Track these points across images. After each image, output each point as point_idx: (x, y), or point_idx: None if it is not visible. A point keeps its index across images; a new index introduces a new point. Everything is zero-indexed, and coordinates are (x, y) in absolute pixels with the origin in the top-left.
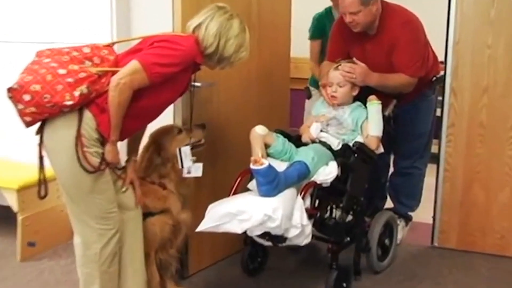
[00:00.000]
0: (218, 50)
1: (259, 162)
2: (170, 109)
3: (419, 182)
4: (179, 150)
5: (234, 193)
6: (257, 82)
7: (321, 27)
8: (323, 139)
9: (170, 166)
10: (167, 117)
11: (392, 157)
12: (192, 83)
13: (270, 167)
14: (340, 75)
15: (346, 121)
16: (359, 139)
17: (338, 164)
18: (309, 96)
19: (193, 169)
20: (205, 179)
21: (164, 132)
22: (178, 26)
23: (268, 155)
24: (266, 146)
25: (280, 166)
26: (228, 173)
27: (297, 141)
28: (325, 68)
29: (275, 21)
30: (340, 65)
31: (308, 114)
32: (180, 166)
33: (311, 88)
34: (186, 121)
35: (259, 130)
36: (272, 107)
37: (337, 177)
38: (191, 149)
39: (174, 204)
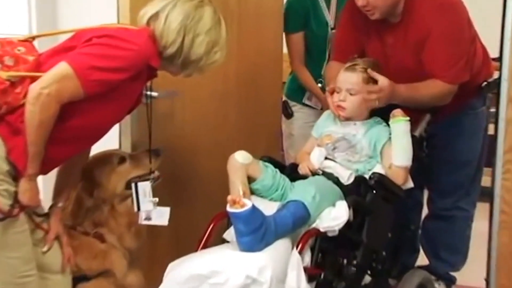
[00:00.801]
0: (183, 51)
1: (240, 202)
2: (115, 129)
3: (464, 229)
4: (135, 186)
5: (205, 247)
6: (237, 90)
7: (302, 14)
8: (328, 170)
9: (108, 210)
10: (110, 140)
11: (426, 194)
12: (147, 92)
13: (254, 209)
14: (352, 80)
15: (359, 143)
16: (379, 169)
17: (350, 205)
18: (288, 114)
19: (155, 214)
20: (163, 226)
21: (98, 162)
22: (125, 15)
23: (252, 192)
24: (250, 179)
25: (269, 207)
26: (196, 218)
27: (293, 173)
28: (332, 70)
29: (261, 8)
30: (356, 64)
31: (288, 139)
32: (136, 209)
33: (291, 103)
34: (137, 145)
35: (240, 157)
36: (258, 125)
37: (348, 223)
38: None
39: (117, 263)
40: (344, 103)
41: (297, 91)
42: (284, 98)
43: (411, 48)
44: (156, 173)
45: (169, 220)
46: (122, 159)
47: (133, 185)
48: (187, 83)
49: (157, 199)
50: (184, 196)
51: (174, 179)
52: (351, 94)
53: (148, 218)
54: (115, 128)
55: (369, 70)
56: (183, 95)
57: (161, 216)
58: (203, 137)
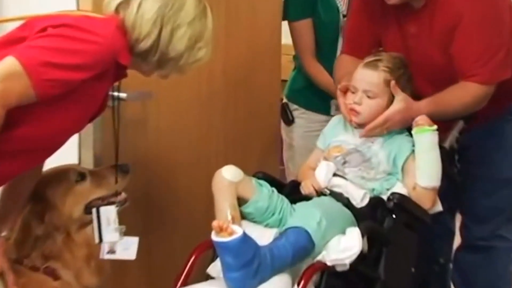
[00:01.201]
0: (159, 46)
1: (227, 230)
2: (74, 139)
3: (506, 264)
4: (97, 210)
5: (184, 284)
6: (225, 92)
7: None
8: (337, 189)
9: (63, 240)
10: (68, 153)
11: (458, 220)
12: (113, 94)
13: (245, 238)
14: (372, 79)
15: (376, 156)
16: (400, 188)
17: (363, 233)
18: (288, 120)
19: (121, 247)
20: (132, 260)
21: (51, 180)
22: (87, 0)
23: (243, 217)
24: (240, 201)
25: (264, 236)
26: (174, 249)
27: (294, 193)
28: (344, 65)
29: None
30: (379, 59)
31: (288, 151)
32: (96, 240)
33: (292, 106)
34: (100, 159)
35: (228, 174)
36: (251, 134)
37: (361, 255)
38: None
39: None
40: (359, 107)
41: (301, 91)
42: (284, 100)
43: (438, 38)
44: (123, 195)
45: (140, 252)
46: (81, 176)
47: (94, 210)
48: (163, 83)
49: (123, 228)
50: (159, 222)
51: (146, 201)
52: (368, 97)
53: (111, 251)
54: (74, 138)
55: (392, 84)
56: (158, 97)
57: (127, 249)
58: (182, 149)
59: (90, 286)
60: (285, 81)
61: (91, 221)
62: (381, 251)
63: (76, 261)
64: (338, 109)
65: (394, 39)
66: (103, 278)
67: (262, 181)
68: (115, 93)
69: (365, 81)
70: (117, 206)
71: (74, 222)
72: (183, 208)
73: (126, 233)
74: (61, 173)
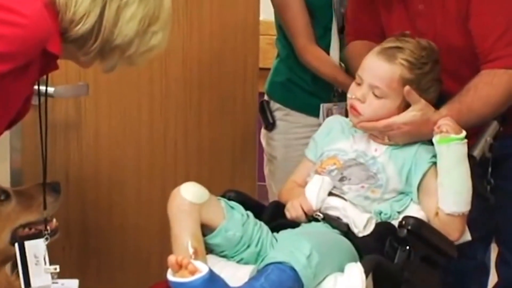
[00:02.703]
0: (101, 30)
1: (188, 267)
2: None
3: None
4: (20, 246)
5: None
6: (185, 85)
7: None
8: (333, 212)
9: None
10: None
11: (493, 251)
12: (38, 88)
13: (212, 278)
14: (384, 73)
15: (383, 171)
16: (415, 211)
17: (368, 270)
18: (268, 123)
19: None
20: None
21: None
22: None
23: (209, 250)
24: (206, 229)
25: (237, 275)
26: None
27: (276, 218)
28: (359, 52)
29: None
30: (400, 48)
31: (269, 164)
32: (22, 286)
33: (274, 105)
34: (21, 175)
35: (189, 194)
36: (220, 141)
37: None
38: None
39: None
40: (361, 106)
41: (285, 85)
42: (265, 97)
43: (454, 14)
44: (54, 222)
45: None
46: (5, 195)
47: (16, 245)
48: (103, 74)
49: (57, 267)
50: (99, 258)
51: (82, 230)
52: (375, 95)
53: None
54: None
55: (407, 90)
56: (97, 92)
57: None
58: (129, 161)
59: None
60: (264, 69)
61: (13, 256)
62: None
63: None
64: (330, 114)
65: (399, 20)
66: None
67: (233, 203)
68: (41, 88)
69: (373, 73)
70: (46, 238)
71: (6, 257)
72: (130, 238)
73: (60, 274)
74: None
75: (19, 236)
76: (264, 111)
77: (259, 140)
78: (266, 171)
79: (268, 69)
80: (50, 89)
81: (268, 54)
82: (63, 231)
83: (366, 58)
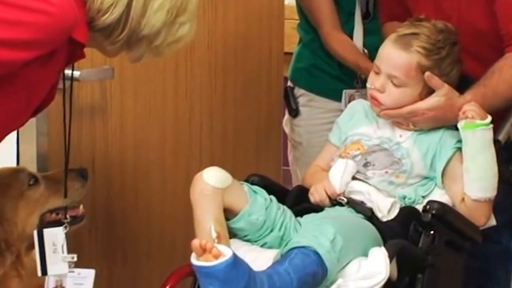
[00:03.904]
0: (128, 20)
1: (212, 251)
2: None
3: None
4: (38, 234)
5: None
6: (210, 69)
7: None
8: (357, 196)
9: (13, 260)
10: (4, 149)
11: None
12: (67, 72)
13: (235, 262)
14: (400, 62)
15: (407, 156)
16: (439, 195)
17: (392, 254)
18: (291, 109)
19: (72, 281)
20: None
21: None
22: None
23: (232, 234)
24: (229, 214)
25: (261, 259)
26: (145, 278)
27: (299, 202)
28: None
29: None
30: (416, 34)
31: (293, 150)
32: (39, 272)
33: (298, 91)
34: (46, 161)
35: (212, 178)
36: (245, 125)
37: (389, 283)
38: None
39: None
40: (381, 96)
41: (308, 71)
42: (289, 83)
43: None
44: (81, 208)
45: (100, 285)
46: (33, 180)
47: (35, 232)
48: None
49: (75, 256)
50: (124, 245)
51: (109, 216)
52: (394, 84)
53: (58, 287)
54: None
55: (427, 76)
56: (122, 76)
57: (80, 285)
58: (154, 146)
59: None
60: (289, 54)
61: None
62: (415, 279)
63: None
64: (352, 100)
65: (424, 2)
66: None
67: (256, 187)
68: (66, 72)
69: (390, 63)
70: (72, 224)
71: (25, 239)
72: (155, 223)
73: (80, 262)
74: (8, 175)
75: (47, 221)
76: (288, 97)
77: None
78: (290, 157)
79: (292, 53)
80: (76, 73)
81: (293, 39)
82: (89, 216)
83: (383, 46)
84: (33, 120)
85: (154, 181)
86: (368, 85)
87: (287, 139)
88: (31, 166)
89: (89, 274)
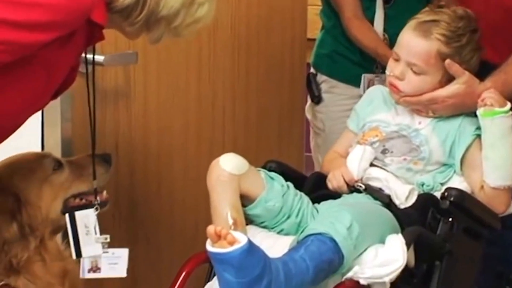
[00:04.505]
0: (147, 2)
1: (227, 238)
2: (35, 118)
3: None
4: (70, 216)
5: None
6: (233, 54)
7: None
8: (375, 183)
9: (37, 245)
10: (25, 137)
11: None
12: (87, 56)
13: (251, 249)
14: (420, 49)
15: (426, 143)
16: (458, 182)
17: (409, 242)
18: (314, 95)
19: (106, 261)
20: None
21: (21, 169)
22: None
23: (249, 220)
24: (245, 200)
25: (277, 246)
26: (170, 262)
27: (317, 189)
28: None
29: None
30: (435, 21)
31: (316, 137)
32: (74, 255)
33: (320, 77)
34: (71, 146)
35: (229, 164)
36: (267, 109)
37: (406, 271)
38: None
39: None
40: (401, 84)
41: (331, 57)
42: (311, 70)
43: None
44: (105, 194)
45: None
46: (57, 164)
47: (67, 216)
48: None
49: (107, 237)
50: (147, 228)
51: (132, 200)
52: (414, 72)
53: (95, 268)
54: (36, 117)
55: (448, 63)
56: (145, 61)
57: (115, 264)
58: (177, 131)
59: None
60: (312, 40)
61: (63, 227)
62: (433, 267)
63: (46, 276)
64: (371, 85)
65: None
66: None
67: (273, 174)
68: (90, 56)
69: (410, 50)
70: (96, 208)
71: (49, 223)
72: (178, 209)
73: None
74: (33, 160)
75: (70, 206)
76: (310, 84)
77: None
78: (312, 143)
79: (315, 39)
80: (100, 57)
81: (316, 25)
82: (113, 201)
83: (402, 33)
84: (57, 106)
85: (177, 166)
86: (387, 72)
87: (309, 126)
88: (56, 151)
89: (123, 254)
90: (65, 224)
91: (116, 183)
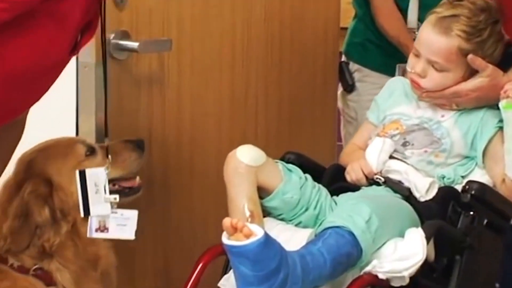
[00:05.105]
0: None
1: (244, 230)
2: (69, 104)
3: None
4: (81, 174)
5: None
6: (266, 42)
7: None
8: (395, 176)
9: (68, 230)
10: (57, 124)
11: None
12: (123, 42)
13: (267, 241)
14: (440, 47)
15: (447, 135)
16: (480, 175)
17: (429, 235)
18: (347, 84)
19: (115, 222)
20: (146, 262)
21: (54, 154)
22: None
23: (266, 213)
24: (263, 192)
25: (294, 239)
26: (196, 248)
27: (335, 181)
28: None
29: None
30: (456, 16)
31: (347, 126)
32: (81, 213)
33: (353, 66)
34: (103, 130)
35: (246, 156)
36: (300, 98)
37: (426, 265)
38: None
39: None
40: (423, 81)
41: (364, 46)
42: (344, 59)
43: None
44: (138, 180)
45: (155, 258)
46: (91, 150)
47: (77, 173)
48: (185, 31)
49: (117, 197)
50: (181, 216)
51: (163, 189)
52: (436, 70)
53: (102, 228)
54: (71, 103)
55: (470, 58)
56: (179, 48)
57: (123, 225)
58: (211, 117)
59: None
60: (345, 29)
61: None
62: (453, 261)
63: (79, 261)
64: (405, 75)
65: None
66: (111, 281)
67: (291, 166)
68: (125, 42)
69: (430, 48)
70: (128, 195)
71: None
72: (211, 196)
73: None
74: (66, 146)
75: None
76: (343, 72)
77: None
78: (343, 132)
79: (348, 28)
80: (134, 44)
81: (348, 13)
82: (146, 187)
83: (422, 29)
84: (92, 92)
85: (210, 152)
86: (408, 68)
87: (340, 115)
88: (90, 137)
89: (132, 215)
90: None
91: (150, 169)
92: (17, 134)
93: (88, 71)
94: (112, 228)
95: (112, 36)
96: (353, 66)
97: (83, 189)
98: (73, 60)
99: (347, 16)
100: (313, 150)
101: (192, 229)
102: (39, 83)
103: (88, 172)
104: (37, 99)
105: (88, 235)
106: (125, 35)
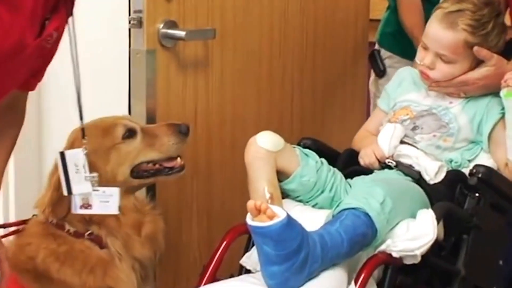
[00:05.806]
0: None
1: (266, 212)
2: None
3: None
4: (61, 155)
5: (212, 278)
6: (300, 30)
7: None
8: (405, 160)
9: None
10: (115, 107)
11: None
12: (171, 31)
13: (289, 222)
14: (447, 41)
15: (455, 120)
16: (485, 159)
17: (439, 216)
18: (379, 70)
19: (97, 198)
20: (191, 228)
21: (94, 133)
22: None
23: (284, 195)
24: (281, 176)
25: (312, 219)
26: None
27: (349, 165)
28: None
29: None
30: (461, 10)
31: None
32: (64, 192)
33: (384, 54)
34: (153, 112)
35: (265, 142)
36: (333, 85)
37: (436, 244)
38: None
39: (124, 279)
40: (432, 73)
41: (396, 35)
42: (375, 47)
43: None
44: (179, 160)
45: (199, 228)
46: (130, 132)
47: (58, 155)
48: (227, 21)
49: (95, 175)
50: (223, 193)
51: (207, 167)
52: (444, 62)
53: (86, 205)
54: (123, 87)
55: (476, 50)
56: (222, 36)
57: (106, 201)
58: (251, 99)
59: (142, 258)
60: (374, 21)
61: (140, 186)
62: (461, 240)
63: (122, 228)
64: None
65: None
66: (156, 251)
67: (308, 151)
68: (173, 31)
69: (437, 42)
70: (169, 174)
71: (118, 185)
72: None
73: (182, 203)
74: (108, 127)
75: (143, 169)
76: (375, 59)
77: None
78: None
79: (378, 20)
80: (181, 33)
81: (378, 6)
82: (191, 165)
83: (429, 24)
84: (143, 77)
85: (250, 132)
86: (417, 60)
87: (369, 103)
88: (141, 119)
89: (114, 192)
90: (137, 186)
91: (195, 148)
92: (15, 121)
93: (140, 57)
94: (96, 204)
95: (161, 25)
96: (384, 53)
97: (64, 170)
98: (126, 47)
99: (376, 9)
100: (343, 132)
101: (233, 201)
102: (3, 68)
103: (68, 153)
104: (10, 84)
105: (72, 211)
106: (173, 25)
